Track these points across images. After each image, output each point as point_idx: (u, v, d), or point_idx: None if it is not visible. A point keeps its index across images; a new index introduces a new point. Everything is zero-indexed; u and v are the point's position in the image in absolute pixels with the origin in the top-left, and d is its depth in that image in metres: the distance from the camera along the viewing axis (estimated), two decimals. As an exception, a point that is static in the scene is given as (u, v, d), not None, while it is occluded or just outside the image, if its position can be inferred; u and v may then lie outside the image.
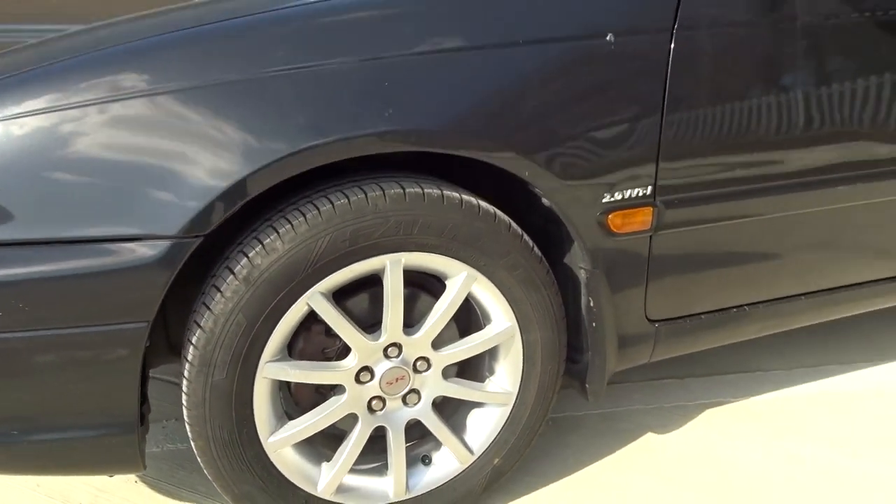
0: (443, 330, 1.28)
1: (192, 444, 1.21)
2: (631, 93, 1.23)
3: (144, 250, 1.04)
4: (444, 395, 1.34)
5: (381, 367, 1.26)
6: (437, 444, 1.37)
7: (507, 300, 1.27)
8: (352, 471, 1.31)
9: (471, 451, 1.37)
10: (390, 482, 1.32)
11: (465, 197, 1.19)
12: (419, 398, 1.31)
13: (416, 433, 1.36)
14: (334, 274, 1.15)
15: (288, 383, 1.27)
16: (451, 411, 1.39)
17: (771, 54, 1.33)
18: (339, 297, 1.22)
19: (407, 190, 1.15)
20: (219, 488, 1.25)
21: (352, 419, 1.29)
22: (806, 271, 1.55)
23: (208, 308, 1.12)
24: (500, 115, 1.17)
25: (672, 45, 1.24)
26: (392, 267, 1.18)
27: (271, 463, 1.24)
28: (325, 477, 1.29)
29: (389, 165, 1.21)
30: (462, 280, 1.23)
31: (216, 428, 1.17)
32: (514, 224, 1.24)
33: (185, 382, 1.16)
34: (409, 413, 1.32)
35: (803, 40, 1.33)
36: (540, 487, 1.51)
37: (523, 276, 1.26)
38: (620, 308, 1.38)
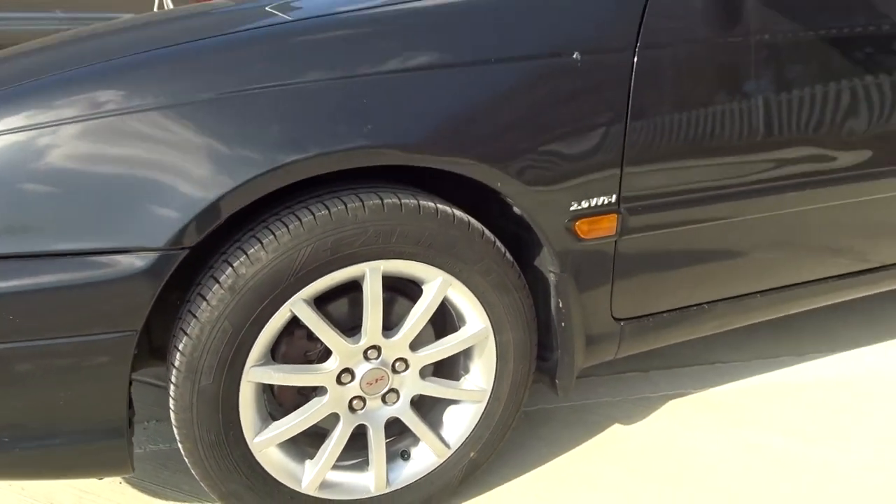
0: (420, 332, 1.32)
1: (180, 445, 1.24)
2: (596, 110, 1.29)
3: (134, 262, 1.08)
4: (422, 393, 1.38)
5: (362, 368, 1.30)
6: (416, 440, 1.41)
7: (481, 303, 1.32)
8: (334, 467, 1.35)
9: (447, 446, 1.42)
10: (371, 477, 1.37)
11: (441, 206, 1.24)
12: (398, 397, 1.36)
13: (395, 430, 1.40)
14: (316, 281, 1.19)
15: (271, 386, 1.31)
16: (429, 408, 1.43)
17: (726, 70, 1.39)
18: (320, 302, 1.26)
19: (385, 201, 1.20)
20: (206, 488, 1.28)
21: (333, 418, 1.32)
22: (761, 271, 1.62)
23: (194, 316, 1.16)
24: (474, 130, 1.22)
25: (634, 67, 1.30)
26: (371, 274, 1.23)
27: (257, 462, 1.27)
28: (308, 474, 1.32)
29: (368, 175, 1.26)
30: (438, 285, 1.28)
31: (203, 430, 1.21)
32: (487, 231, 1.30)
33: (172, 387, 1.20)
34: (389, 411, 1.36)
35: (755, 56, 1.40)
36: (514, 478, 1.56)
37: (496, 280, 1.31)
38: (588, 308, 1.43)
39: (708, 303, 1.59)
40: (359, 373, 1.30)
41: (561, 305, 1.40)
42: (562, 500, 1.50)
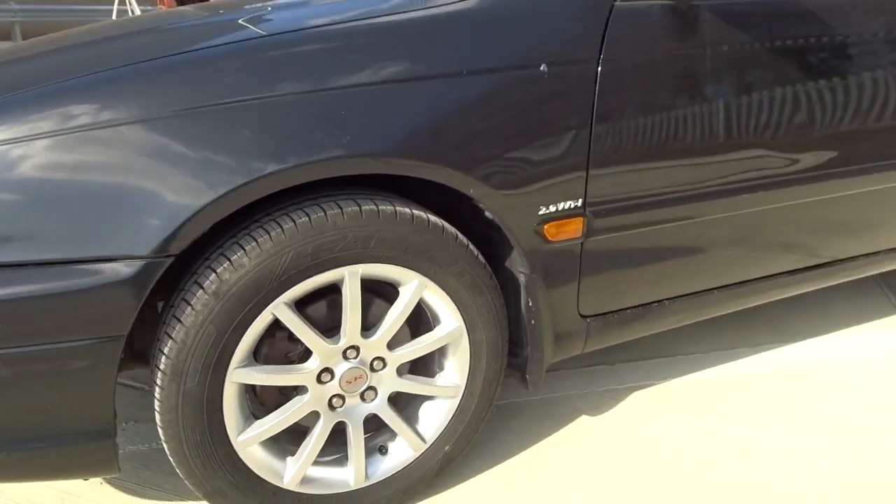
0: (397, 332, 1.37)
1: (165, 445, 1.28)
2: (563, 120, 1.35)
3: (122, 269, 1.11)
4: (399, 390, 1.43)
5: (341, 367, 1.35)
6: (393, 435, 1.46)
7: (455, 304, 1.37)
8: (315, 463, 1.40)
9: (423, 440, 1.47)
10: (350, 472, 1.41)
11: (416, 212, 1.30)
12: (376, 394, 1.41)
13: (373, 425, 1.45)
14: (297, 285, 1.23)
15: (253, 386, 1.35)
16: (405, 404, 1.48)
17: (684, 80, 1.46)
18: (301, 305, 1.30)
19: (363, 207, 1.24)
20: (191, 486, 1.31)
21: (314, 416, 1.37)
22: (718, 268, 1.70)
23: (179, 320, 1.19)
24: (448, 139, 1.27)
25: (598, 78, 1.36)
26: (350, 278, 1.27)
27: (240, 460, 1.31)
28: (290, 470, 1.37)
29: (346, 183, 1.30)
30: (414, 287, 1.34)
31: (188, 430, 1.24)
32: (460, 235, 1.35)
33: (157, 389, 1.23)
34: (367, 408, 1.41)
35: (711, 66, 1.47)
36: (487, 470, 1.62)
37: (469, 281, 1.37)
38: (556, 306, 1.50)
39: (669, 299, 1.67)
40: (338, 372, 1.35)
41: (531, 304, 1.47)
42: (532, 489, 1.57)
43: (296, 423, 1.36)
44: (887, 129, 1.74)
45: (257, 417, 1.34)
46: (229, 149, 1.14)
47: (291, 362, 1.34)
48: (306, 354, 1.33)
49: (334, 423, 1.39)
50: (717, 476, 1.61)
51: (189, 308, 1.19)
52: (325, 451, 1.40)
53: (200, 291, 1.19)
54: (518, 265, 1.45)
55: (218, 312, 1.19)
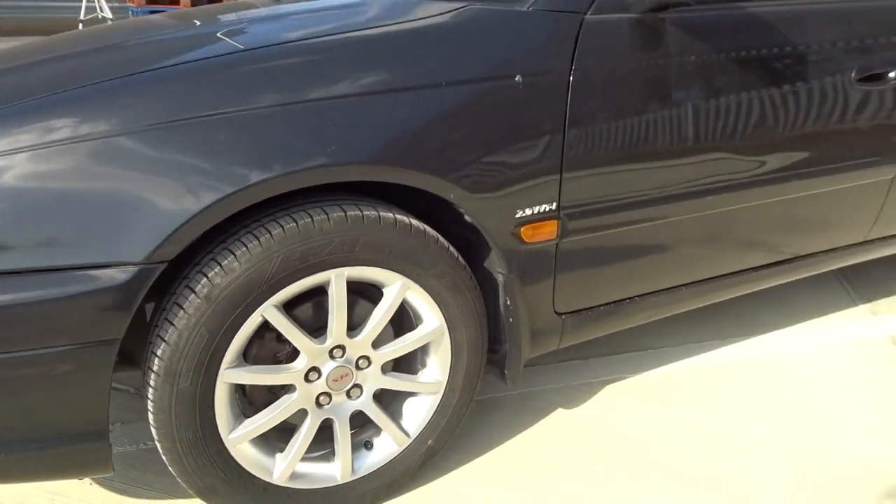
0: (381, 331, 1.43)
1: (158, 445, 1.31)
2: (537, 128, 1.41)
3: (117, 275, 1.15)
4: (384, 387, 1.48)
5: (328, 366, 1.40)
6: (378, 431, 1.51)
7: (436, 303, 1.43)
8: (303, 459, 1.44)
9: (407, 435, 1.52)
10: (337, 466, 1.46)
11: (399, 216, 1.35)
12: (361, 392, 1.46)
13: (359, 421, 1.50)
14: (286, 288, 1.28)
15: (243, 385, 1.39)
16: (389, 401, 1.53)
17: (651, 89, 1.53)
18: (288, 306, 1.34)
19: (348, 213, 1.29)
20: (184, 483, 1.35)
21: (302, 414, 1.41)
22: (686, 265, 1.77)
23: (171, 324, 1.23)
24: (428, 147, 1.32)
25: (569, 88, 1.42)
26: (337, 280, 1.32)
27: (231, 457, 1.35)
28: (279, 466, 1.41)
29: (333, 189, 1.35)
30: (398, 288, 1.39)
31: (181, 430, 1.28)
32: (441, 238, 1.40)
33: (150, 390, 1.27)
34: (353, 405, 1.46)
35: (676, 74, 1.54)
36: (468, 462, 1.68)
37: (450, 282, 1.43)
38: (532, 304, 1.56)
39: (640, 296, 1.74)
40: (325, 371, 1.40)
41: (508, 303, 1.53)
42: (512, 479, 1.63)
43: (284, 421, 1.40)
44: (845, 133, 1.83)
45: (247, 416, 1.38)
46: (220, 159, 1.18)
47: (280, 362, 1.39)
48: (294, 354, 1.37)
49: (321, 420, 1.44)
50: (683, 462, 1.69)
51: (181, 311, 1.23)
52: (312, 447, 1.45)
53: (192, 295, 1.23)
54: (496, 266, 1.51)
55: (210, 315, 1.23)
